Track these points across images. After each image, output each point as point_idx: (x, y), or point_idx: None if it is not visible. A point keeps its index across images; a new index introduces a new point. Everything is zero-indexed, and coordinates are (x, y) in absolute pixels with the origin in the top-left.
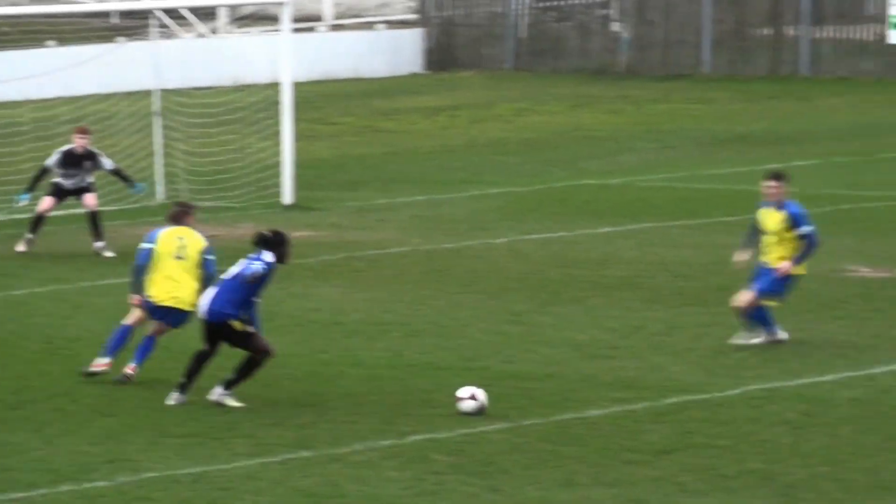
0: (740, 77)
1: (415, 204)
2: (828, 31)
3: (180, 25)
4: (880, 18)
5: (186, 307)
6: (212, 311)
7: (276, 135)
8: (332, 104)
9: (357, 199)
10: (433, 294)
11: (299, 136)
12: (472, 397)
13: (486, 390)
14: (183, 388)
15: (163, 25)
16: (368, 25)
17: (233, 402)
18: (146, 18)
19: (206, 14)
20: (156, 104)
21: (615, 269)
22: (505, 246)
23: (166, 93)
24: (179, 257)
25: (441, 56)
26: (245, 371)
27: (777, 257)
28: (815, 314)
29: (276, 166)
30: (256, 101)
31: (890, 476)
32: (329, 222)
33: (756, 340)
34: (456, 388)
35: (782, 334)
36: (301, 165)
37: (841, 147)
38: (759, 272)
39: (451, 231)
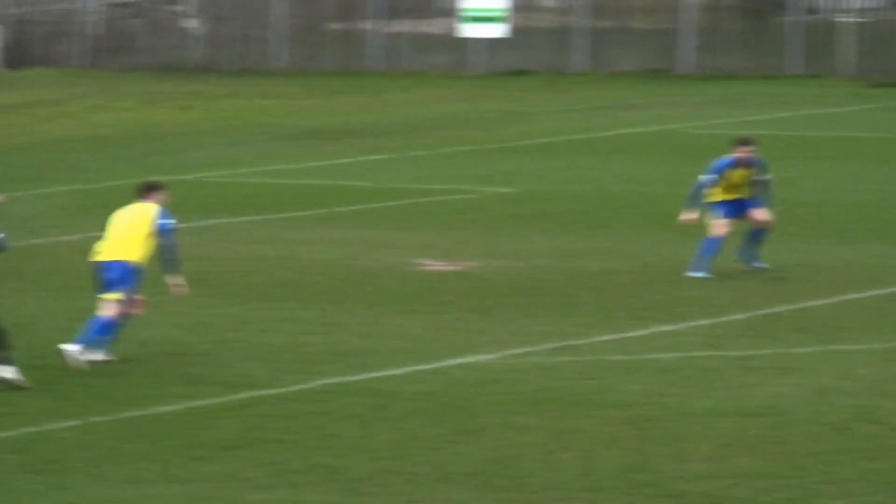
0: (313, 72)
1: None
2: (401, 26)
3: None
4: (451, 12)
5: None
6: None
7: None
8: None
9: None
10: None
11: None
12: None
13: (50, 386)
14: None
15: None
16: None
17: None
18: None
19: None
20: None
21: (185, 265)
22: (76, 243)
23: None
24: None
25: (17, 53)
26: None
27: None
28: (384, 308)
29: None
30: None
31: (456, 468)
32: None
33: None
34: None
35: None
36: None
37: (414, 141)
38: None
39: (21, 229)
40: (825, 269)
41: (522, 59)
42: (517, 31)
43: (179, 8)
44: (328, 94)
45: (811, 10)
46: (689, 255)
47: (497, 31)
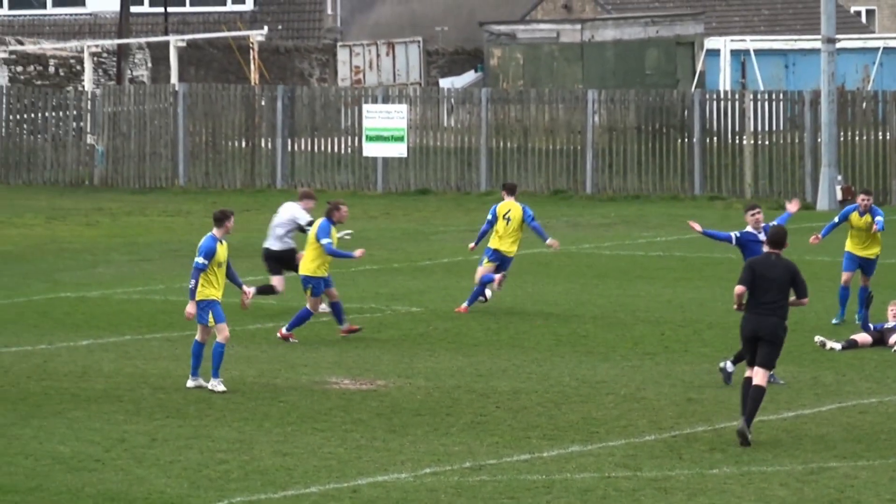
0: (216, 189)
1: None
2: (303, 144)
3: None
4: (355, 132)
5: None
6: None
7: None
8: None
9: None
10: None
11: None
12: None
13: None
14: None
15: None
16: None
17: None
18: None
19: None
20: None
21: (96, 382)
22: None
23: None
24: None
25: None
26: None
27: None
28: (298, 426)
29: None
30: None
31: None
32: None
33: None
34: None
35: None
36: None
37: None
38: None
39: None
40: (738, 390)
41: (424, 178)
42: (419, 151)
43: (83, 124)
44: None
45: (712, 132)
46: (604, 375)
47: (398, 150)
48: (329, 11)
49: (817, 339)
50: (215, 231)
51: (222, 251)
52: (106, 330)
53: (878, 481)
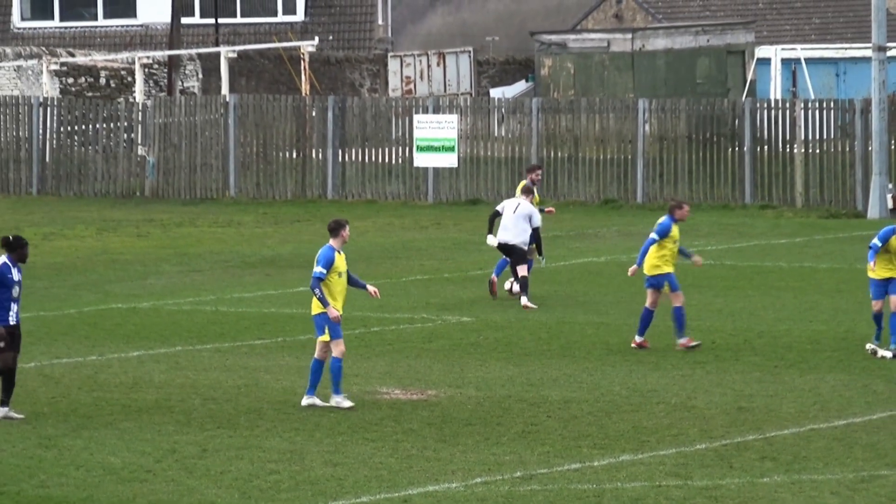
0: (267, 200)
1: None
2: (353, 154)
3: None
4: (405, 142)
5: None
6: None
7: None
8: None
9: None
10: None
11: None
12: None
13: None
14: None
15: None
16: None
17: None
18: None
19: None
20: None
21: (146, 393)
22: (34, 370)
23: None
24: None
25: None
26: None
27: None
28: (348, 436)
29: None
30: None
31: None
32: None
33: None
34: None
35: None
36: None
37: (370, 269)
38: None
39: None
40: (788, 399)
41: (475, 188)
42: (469, 161)
43: (134, 136)
44: (282, 222)
45: (762, 141)
46: (654, 384)
47: (449, 160)
48: (380, 22)
49: (868, 346)
50: (332, 241)
51: (340, 261)
52: (157, 341)
53: None
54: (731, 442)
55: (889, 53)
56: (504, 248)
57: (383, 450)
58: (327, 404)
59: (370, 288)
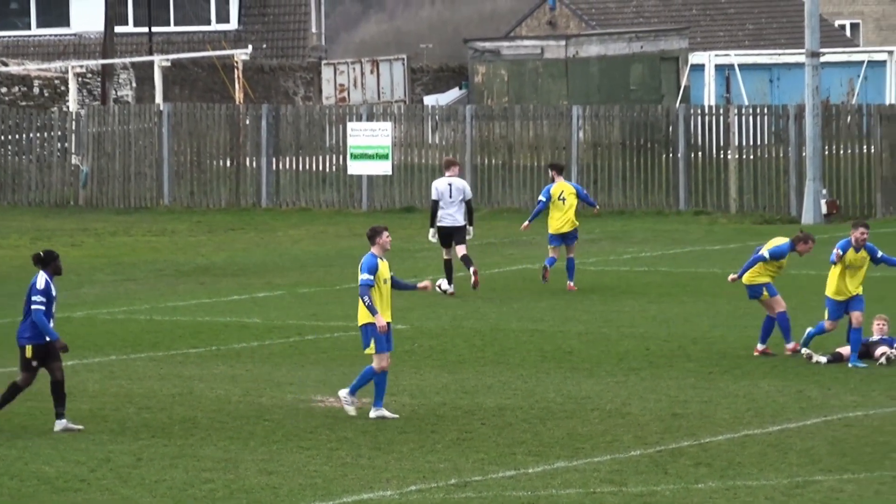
0: (200, 209)
1: None
2: (287, 163)
3: None
4: (339, 150)
5: None
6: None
7: None
8: None
9: None
10: None
11: None
12: None
13: None
14: None
15: None
16: None
17: None
18: None
19: None
20: None
21: (81, 402)
22: None
23: None
24: None
25: None
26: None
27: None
28: (283, 444)
29: None
30: None
31: None
32: None
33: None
34: None
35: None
36: None
37: (304, 278)
38: None
39: None
40: (723, 405)
41: (409, 195)
42: (404, 168)
43: (67, 145)
44: (216, 230)
45: (696, 147)
46: (589, 390)
47: (383, 168)
48: (313, 30)
49: (803, 351)
50: (372, 249)
51: (384, 268)
52: (91, 350)
53: (864, 495)
54: (665, 448)
55: (822, 59)
56: (449, 231)
57: (318, 458)
58: (395, 416)
59: (421, 284)
